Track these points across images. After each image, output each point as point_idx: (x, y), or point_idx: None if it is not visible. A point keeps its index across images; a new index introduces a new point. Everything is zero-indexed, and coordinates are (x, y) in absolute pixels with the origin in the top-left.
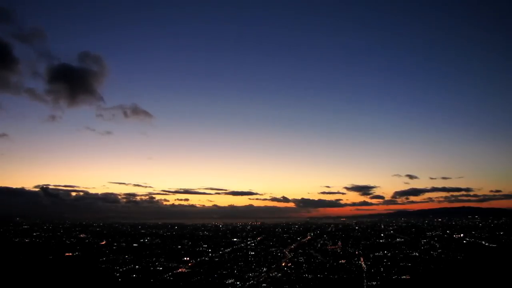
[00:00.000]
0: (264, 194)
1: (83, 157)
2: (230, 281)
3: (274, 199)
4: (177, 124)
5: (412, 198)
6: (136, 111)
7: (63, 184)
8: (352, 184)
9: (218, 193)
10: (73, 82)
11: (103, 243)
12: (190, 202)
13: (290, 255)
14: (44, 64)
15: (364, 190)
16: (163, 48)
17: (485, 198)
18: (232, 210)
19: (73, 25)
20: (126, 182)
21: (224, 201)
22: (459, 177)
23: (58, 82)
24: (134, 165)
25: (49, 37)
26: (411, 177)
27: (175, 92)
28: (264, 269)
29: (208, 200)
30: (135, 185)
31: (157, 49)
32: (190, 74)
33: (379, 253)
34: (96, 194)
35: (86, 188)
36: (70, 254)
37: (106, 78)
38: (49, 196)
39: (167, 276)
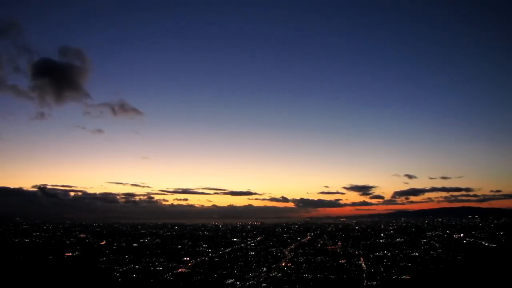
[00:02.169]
0: (263, 194)
1: (77, 156)
2: (230, 281)
3: (273, 199)
4: (171, 122)
5: (412, 198)
6: (124, 108)
7: (60, 184)
8: (351, 184)
9: (217, 193)
10: (57, 78)
11: (103, 243)
12: (189, 202)
13: (290, 255)
14: (24, 60)
15: (363, 190)
16: (151, 42)
17: (485, 198)
18: (231, 210)
19: (49, 18)
20: (123, 182)
21: (223, 201)
22: (459, 177)
23: (41, 77)
24: (130, 165)
25: (25, 31)
26: (410, 177)
27: (166, 89)
28: (264, 269)
29: (207, 200)
30: (132, 185)
31: (144, 43)
32: (183, 70)
33: (379, 253)
34: (95, 194)
35: (83, 188)
36: (70, 254)
37: (90, 73)
38: (47, 196)
39: (167, 276)
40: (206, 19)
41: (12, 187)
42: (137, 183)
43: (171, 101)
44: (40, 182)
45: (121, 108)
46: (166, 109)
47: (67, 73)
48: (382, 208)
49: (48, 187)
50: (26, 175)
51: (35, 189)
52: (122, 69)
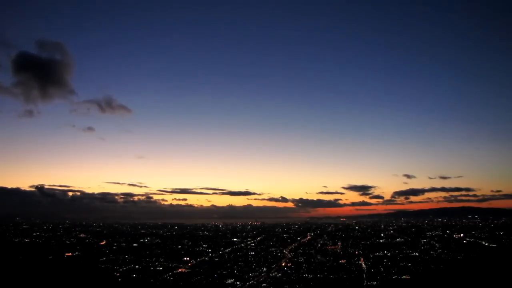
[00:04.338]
0: (262, 194)
1: (72, 156)
2: (230, 281)
3: (272, 199)
4: (164, 121)
5: (411, 198)
6: (112, 105)
7: (58, 184)
8: (349, 184)
9: (215, 193)
10: (38, 73)
11: (103, 243)
12: (188, 202)
13: (290, 255)
14: (2, 54)
15: (362, 190)
16: (139, 37)
17: (485, 198)
18: (231, 210)
19: (24, 10)
20: (121, 182)
21: (222, 201)
22: (458, 177)
23: (23, 73)
24: (126, 164)
25: None
26: (409, 176)
27: (158, 86)
28: (264, 269)
29: (206, 200)
30: (130, 184)
31: (130, 37)
32: (177, 67)
33: (379, 253)
34: (93, 194)
35: (81, 188)
36: (70, 254)
37: (72, 68)
38: (46, 196)
39: (167, 276)
40: (202, 14)
41: (9, 187)
42: (134, 183)
43: (163, 99)
44: (37, 182)
45: (108, 105)
46: (158, 107)
47: (49, 68)
48: (382, 208)
49: (45, 187)
50: (23, 175)
51: (33, 189)
52: (107, 64)
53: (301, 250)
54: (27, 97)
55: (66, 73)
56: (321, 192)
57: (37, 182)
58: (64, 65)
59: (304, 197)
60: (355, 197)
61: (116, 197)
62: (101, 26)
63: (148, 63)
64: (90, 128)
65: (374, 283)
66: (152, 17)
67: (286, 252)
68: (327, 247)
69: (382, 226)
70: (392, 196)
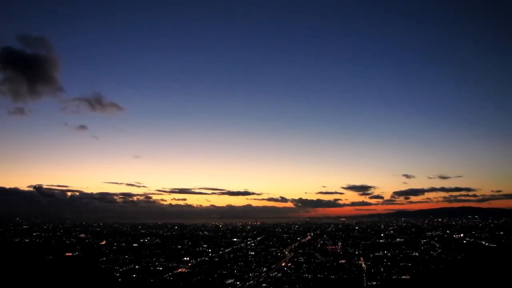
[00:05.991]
0: (261, 194)
1: (68, 155)
2: (230, 281)
3: (271, 199)
4: (160, 119)
5: (411, 198)
6: (102, 102)
7: (56, 184)
8: (348, 184)
9: (214, 193)
10: (24, 69)
11: (103, 243)
12: (187, 202)
13: (290, 255)
14: None
15: (362, 190)
16: (130, 31)
17: (485, 198)
18: (230, 210)
19: (5, 2)
20: (119, 182)
21: (221, 201)
22: (458, 177)
23: (8, 69)
24: (122, 164)
25: None
26: (408, 176)
27: (152, 84)
28: (264, 269)
29: (206, 200)
30: (128, 184)
31: (120, 33)
32: (172, 64)
33: (379, 253)
34: (92, 194)
35: (79, 188)
36: (70, 254)
37: (59, 64)
38: (45, 196)
39: (167, 276)
40: (197, 10)
41: (7, 187)
42: (132, 183)
43: (157, 97)
44: (34, 182)
45: (99, 103)
46: (152, 105)
47: (34, 64)
48: (382, 208)
49: (44, 187)
50: (20, 174)
51: (31, 189)
52: (95, 61)
53: (301, 250)
54: (15, 94)
55: (52, 69)
56: (321, 192)
57: (35, 182)
58: (49, 61)
59: (304, 197)
60: (354, 197)
61: (115, 197)
62: (87, 21)
63: (139, 59)
64: (82, 127)
65: (374, 283)
66: (144, 11)
67: (286, 252)
68: (327, 247)
69: (382, 226)
70: (392, 196)
